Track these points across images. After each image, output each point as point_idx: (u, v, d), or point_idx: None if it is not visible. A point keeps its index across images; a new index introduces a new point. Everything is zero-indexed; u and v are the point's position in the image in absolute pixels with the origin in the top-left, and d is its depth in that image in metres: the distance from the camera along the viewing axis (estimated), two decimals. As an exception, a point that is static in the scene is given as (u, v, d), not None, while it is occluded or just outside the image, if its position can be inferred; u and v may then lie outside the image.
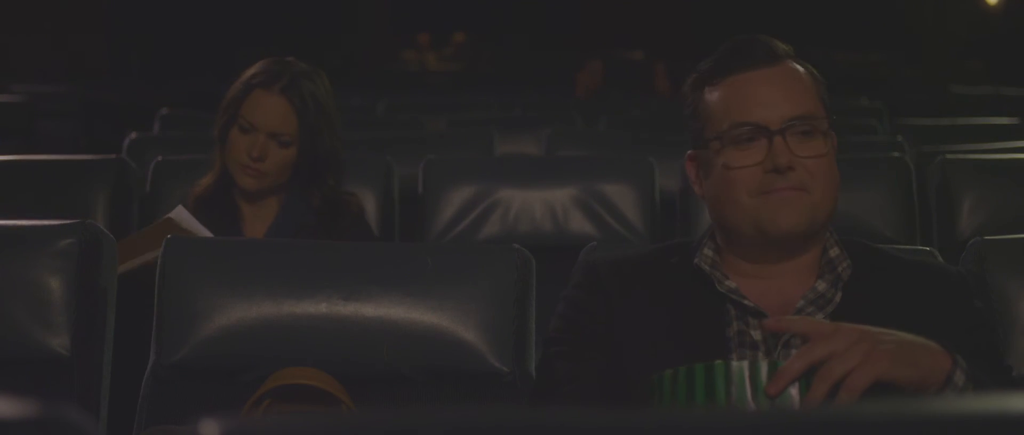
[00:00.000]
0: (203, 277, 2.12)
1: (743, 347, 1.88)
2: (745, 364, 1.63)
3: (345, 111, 3.67)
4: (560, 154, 4.33)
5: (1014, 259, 2.16)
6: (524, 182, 3.38)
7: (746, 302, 1.90)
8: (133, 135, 4.24)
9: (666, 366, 1.89)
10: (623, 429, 0.88)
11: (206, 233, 2.71)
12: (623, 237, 3.33)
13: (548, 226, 3.35)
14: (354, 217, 3.00)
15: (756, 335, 1.89)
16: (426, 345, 2.09)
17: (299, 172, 2.96)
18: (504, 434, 0.87)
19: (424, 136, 4.71)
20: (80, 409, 1.20)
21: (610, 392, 1.90)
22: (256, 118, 2.92)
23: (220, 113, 2.99)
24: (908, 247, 2.34)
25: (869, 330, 1.65)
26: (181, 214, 2.71)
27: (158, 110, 5.60)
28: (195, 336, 2.09)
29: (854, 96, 7.32)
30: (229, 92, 2.98)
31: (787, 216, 1.89)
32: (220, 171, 2.99)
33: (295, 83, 2.93)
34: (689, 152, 2.00)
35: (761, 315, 1.89)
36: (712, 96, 1.94)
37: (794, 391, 1.62)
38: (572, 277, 2.01)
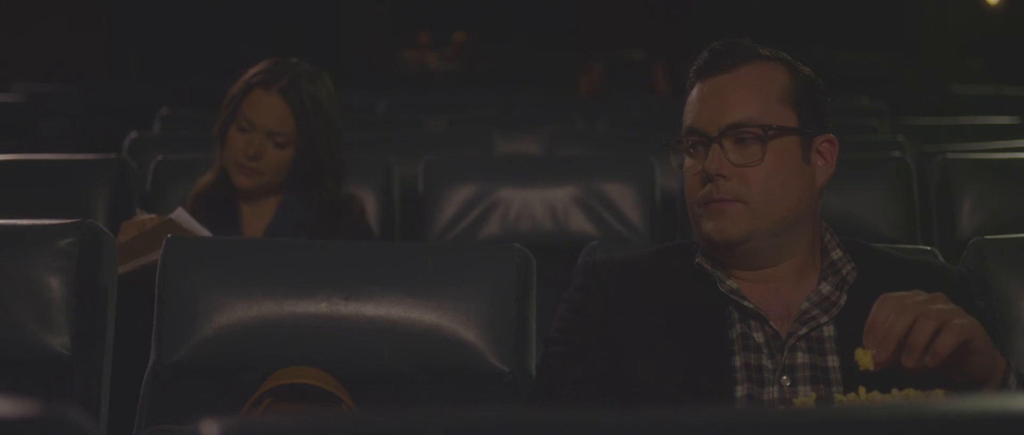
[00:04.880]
0: (203, 277, 2.11)
1: (746, 350, 1.88)
2: None
3: (345, 111, 3.67)
4: (560, 154, 4.33)
5: (1015, 259, 2.16)
6: (524, 182, 3.38)
7: (747, 304, 1.90)
8: (133, 135, 4.24)
9: (667, 367, 1.89)
10: (623, 429, 0.87)
11: (206, 234, 2.70)
12: (624, 237, 3.32)
13: (548, 226, 3.34)
14: (355, 217, 3.00)
15: (759, 337, 1.89)
16: (426, 345, 2.09)
17: (297, 173, 2.96)
18: (504, 434, 0.87)
19: (424, 136, 4.71)
20: (80, 409, 1.20)
21: (610, 393, 1.90)
22: (254, 117, 2.92)
23: (220, 111, 2.99)
24: (908, 247, 2.33)
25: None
26: (181, 215, 2.71)
27: (158, 110, 5.59)
28: (195, 336, 2.09)
29: (854, 96, 7.31)
30: (230, 91, 2.99)
31: (722, 227, 1.90)
32: (220, 170, 3.00)
33: (295, 84, 2.93)
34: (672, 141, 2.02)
35: (762, 317, 1.89)
36: (687, 99, 1.98)
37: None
38: (573, 278, 2.01)
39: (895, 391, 1.65)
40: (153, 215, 2.75)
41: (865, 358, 1.66)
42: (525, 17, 14.54)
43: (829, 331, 1.89)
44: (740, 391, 1.87)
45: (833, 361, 1.87)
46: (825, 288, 1.92)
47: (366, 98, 7.14)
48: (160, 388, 2.12)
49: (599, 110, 6.45)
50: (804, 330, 1.89)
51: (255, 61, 3.02)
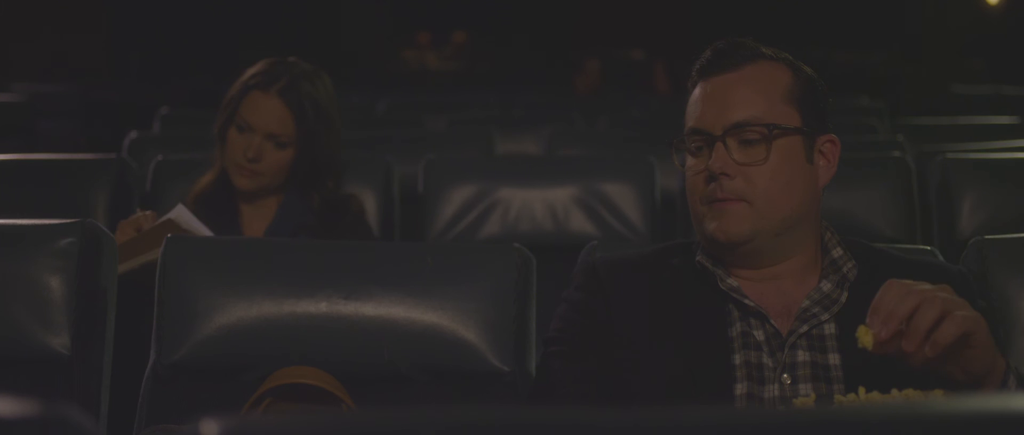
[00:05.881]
0: (203, 277, 2.11)
1: (747, 348, 1.88)
2: None
3: (345, 111, 3.67)
4: (560, 154, 4.33)
5: (1014, 258, 2.16)
6: (524, 182, 3.38)
7: (747, 302, 1.90)
8: (133, 135, 4.24)
9: (667, 366, 1.89)
10: (623, 429, 0.87)
11: (207, 233, 2.70)
12: (623, 237, 3.32)
13: (548, 226, 3.34)
14: (355, 217, 2.99)
15: (759, 335, 1.89)
16: (426, 345, 2.09)
17: (297, 174, 2.95)
18: (504, 434, 0.86)
19: (424, 136, 4.71)
20: (80, 409, 1.20)
21: (610, 392, 1.90)
22: (253, 119, 2.92)
23: (220, 112, 2.99)
24: (909, 246, 2.33)
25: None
26: (181, 214, 2.71)
27: (158, 110, 5.60)
28: (195, 336, 2.09)
29: (854, 96, 7.32)
30: (229, 91, 2.98)
31: (726, 227, 1.90)
32: (219, 170, 2.99)
33: (294, 85, 2.92)
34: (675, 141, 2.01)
35: (762, 316, 1.89)
36: (689, 98, 1.98)
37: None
38: (572, 278, 2.01)
39: (895, 391, 1.65)
40: (150, 212, 2.75)
41: (866, 336, 1.67)
42: (525, 17, 14.54)
43: (830, 329, 1.89)
44: (740, 389, 1.87)
45: (834, 359, 1.87)
46: (826, 286, 1.92)
47: (366, 98, 7.14)
48: (160, 388, 2.12)
49: (599, 110, 6.45)
50: (805, 328, 1.89)
51: (255, 61, 3.00)
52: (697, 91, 1.96)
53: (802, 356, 1.88)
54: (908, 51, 13.34)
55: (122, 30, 12.45)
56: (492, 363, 2.09)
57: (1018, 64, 11.47)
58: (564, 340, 1.95)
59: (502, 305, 2.10)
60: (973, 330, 1.66)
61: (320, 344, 2.09)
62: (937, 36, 13.43)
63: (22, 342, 2.10)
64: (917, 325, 1.65)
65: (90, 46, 11.96)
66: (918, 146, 4.31)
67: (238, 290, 2.11)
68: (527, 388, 2.08)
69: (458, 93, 9.00)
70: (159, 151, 3.73)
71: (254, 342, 2.09)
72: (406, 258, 2.16)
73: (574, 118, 5.87)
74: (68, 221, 2.17)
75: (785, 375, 1.87)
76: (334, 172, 2.99)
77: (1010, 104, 7.72)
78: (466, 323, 2.09)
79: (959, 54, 12.90)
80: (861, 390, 1.67)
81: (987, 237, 2.20)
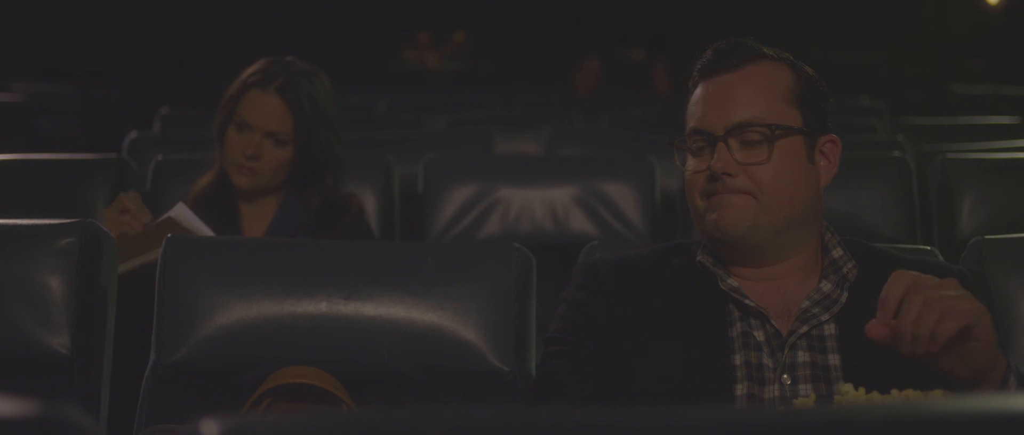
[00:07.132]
0: (203, 277, 2.11)
1: (747, 348, 1.88)
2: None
3: (345, 111, 3.67)
4: (560, 154, 4.33)
5: (1014, 258, 2.16)
6: (524, 182, 3.38)
7: (747, 302, 1.90)
8: (133, 134, 4.24)
9: (667, 366, 1.89)
10: (623, 429, 0.87)
11: (207, 231, 2.70)
12: (624, 236, 3.32)
13: (548, 225, 3.34)
14: (354, 217, 2.99)
15: (759, 336, 1.89)
16: (426, 345, 2.09)
17: (296, 172, 2.95)
18: (504, 434, 0.86)
19: (424, 136, 4.71)
20: (80, 409, 1.20)
21: (610, 392, 1.90)
22: (251, 117, 2.92)
23: (218, 111, 2.99)
24: (909, 246, 2.33)
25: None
26: (182, 212, 2.71)
27: (158, 109, 5.60)
28: (195, 335, 2.09)
29: (854, 96, 7.32)
30: (228, 90, 2.98)
31: (727, 217, 1.90)
32: (219, 170, 2.99)
33: (292, 83, 2.92)
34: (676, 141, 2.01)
35: (763, 316, 1.89)
36: (690, 98, 1.98)
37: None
38: (572, 278, 2.01)
39: (895, 391, 1.65)
40: (133, 192, 2.74)
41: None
42: (525, 17, 14.55)
43: (830, 329, 1.89)
44: (740, 390, 1.87)
45: (834, 360, 1.87)
46: (826, 286, 1.92)
47: (366, 98, 7.14)
48: (160, 388, 2.12)
49: (599, 110, 6.45)
50: (805, 328, 1.89)
51: (255, 61, 3.01)
52: (698, 91, 1.96)
53: (802, 356, 1.88)
54: (908, 51, 13.35)
55: (122, 30, 12.46)
56: (492, 363, 2.09)
57: (1018, 64, 11.48)
58: (564, 340, 1.95)
59: (502, 305, 2.10)
60: (976, 322, 1.66)
61: (320, 344, 2.09)
62: (937, 36, 13.44)
63: (22, 342, 2.10)
64: (918, 333, 1.65)
65: (90, 46, 11.97)
66: (918, 146, 4.31)
67: (238, 290, 2.11)
68: (527, 388, 2.08)
69: (458, 93, 9.00)
70: (159, 151, 3.73)
71: (254, 342, 2.09)
72: (406, 258, 2.16)
73: (574, 118, 5.87)
74: (68, 221, 2.17)
75: (785, 375, 1.87)
76: (333, 171, 2.99)
77: (1010, 104, 7.73)
78: (466, 323, 2.09)
79: (959, 54, 12.90)
80: (861, 390, 1.67)
81: (987, 237, 2.20)
